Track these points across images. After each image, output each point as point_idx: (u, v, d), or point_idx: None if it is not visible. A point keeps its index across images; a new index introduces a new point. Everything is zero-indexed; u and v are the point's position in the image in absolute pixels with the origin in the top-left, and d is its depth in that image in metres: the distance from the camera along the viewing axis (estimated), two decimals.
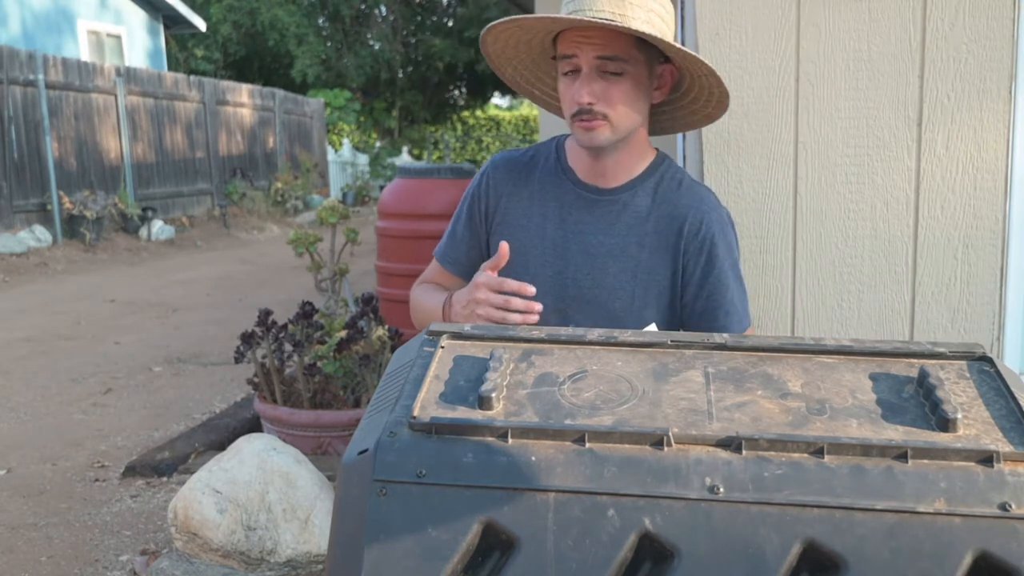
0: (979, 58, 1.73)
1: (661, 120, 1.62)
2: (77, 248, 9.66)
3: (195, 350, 5.43)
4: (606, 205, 1.52)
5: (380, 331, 3.27)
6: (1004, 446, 0.81)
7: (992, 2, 1.72)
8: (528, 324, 1.34)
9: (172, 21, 15.87)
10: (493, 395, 0.89)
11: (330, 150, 18.20)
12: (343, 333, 3.27)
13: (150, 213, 10.85)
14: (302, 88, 20.31)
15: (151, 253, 10.21)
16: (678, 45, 1.37)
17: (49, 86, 9.92)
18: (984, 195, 1.78)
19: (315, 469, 2.52)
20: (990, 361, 0.93)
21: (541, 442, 0.84)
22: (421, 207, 4.19)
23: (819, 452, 0.81)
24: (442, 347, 1.00)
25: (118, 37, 14.35)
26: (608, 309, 1.50)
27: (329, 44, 21.20)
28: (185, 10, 15.69)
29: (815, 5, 1.77)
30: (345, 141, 19.39)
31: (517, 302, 1.35)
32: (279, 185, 14.02)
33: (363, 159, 19.29)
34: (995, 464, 0.79)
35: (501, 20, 1.41)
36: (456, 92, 25.30)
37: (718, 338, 0.99)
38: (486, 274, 1.39)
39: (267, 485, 2.38)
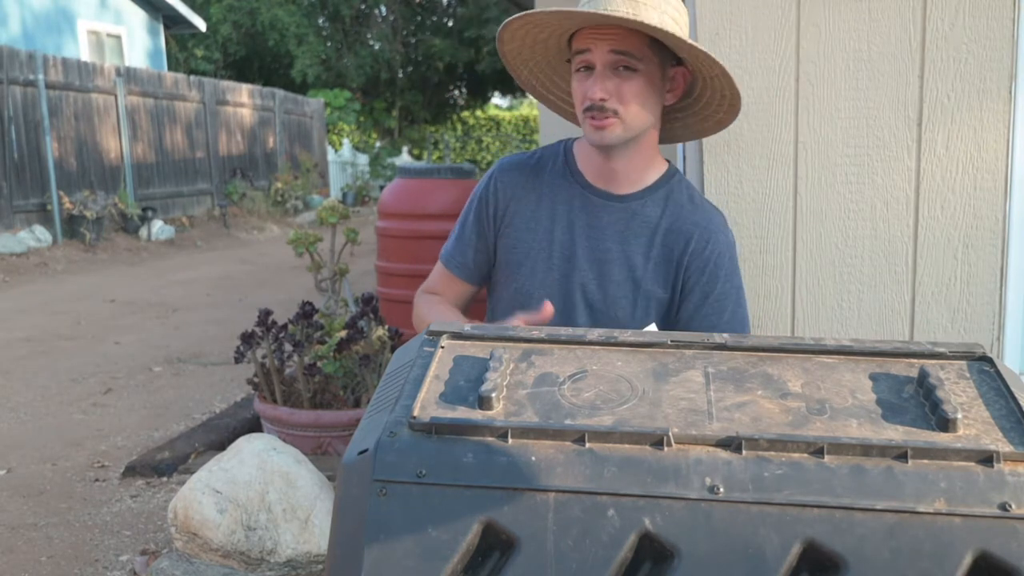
0: (979, 58, 1.73)
1: (673, 128, 1.62)
2: (77, 248, 9.66)
3: (195, 350, 5.43)
4: (616, 211, 1.51)
5: (380, 331, 3.27)
6: (1004, 446, 0.81)
7: (992, 2, 1.72)
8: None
9: (172, 21, 15.88)
10: (493, 395, 0.89)
11: (330, 150, 18.20)
12: (343, 333, 3.27)
13: (150, 213, 10.86)
14: (302, 88, 20.32)
15: (151, 253, 10.21)
16: (691, 42, 1.37)
17: (49, 86, 9.92)
18: (984, 195, 1.77)
19: (315, 469, 2.52)
20: (990, 361, 0.93)
21: (541, 442, 0.84)
22: (421, 207, 4.18)
23: (819, 452, 0.81)
24: (442, 347, 1.00)
25: (118, 37, 14.35)
26: (610, 316, 1.50)
27: (329, 44, 21.21)
28: (185, 10, 15.70)
29: (815, 5, 1.77)
30: (345, 141, 19.39)
31: None
32: (279, 185, 14.02)
33: (363, 159, 19.29)
34: (995, 464, 0.79)
35: (517, 15, 1.41)
36: (456, 92, 25.30)
37: (718, 338, 0.99)
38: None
39: (267, 485, 2.38)
